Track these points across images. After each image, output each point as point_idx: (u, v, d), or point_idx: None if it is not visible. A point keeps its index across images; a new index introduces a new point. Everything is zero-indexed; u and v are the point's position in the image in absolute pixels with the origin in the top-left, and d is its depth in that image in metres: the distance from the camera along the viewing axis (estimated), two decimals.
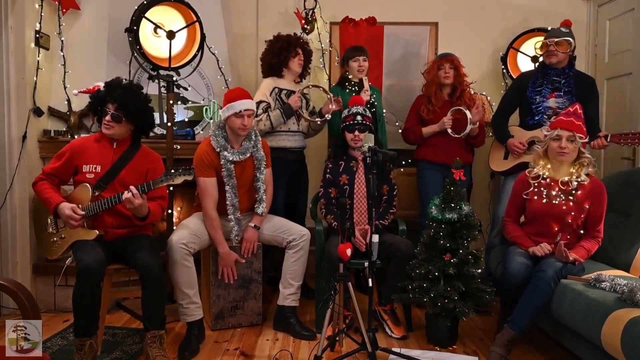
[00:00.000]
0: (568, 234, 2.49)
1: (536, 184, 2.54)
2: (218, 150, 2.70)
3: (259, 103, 3.06)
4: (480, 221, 2.88)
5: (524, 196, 2.58)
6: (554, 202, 2.48)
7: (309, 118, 3.22)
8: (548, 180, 2.53)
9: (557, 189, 2.49)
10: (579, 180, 2.46)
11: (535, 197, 2.53)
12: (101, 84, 2.40)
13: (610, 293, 2.09)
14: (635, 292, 1.97)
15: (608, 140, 2.74)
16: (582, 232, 2.51)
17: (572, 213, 2.45)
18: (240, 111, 2.65)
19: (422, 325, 2.83)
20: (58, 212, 2.32)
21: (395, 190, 2.94)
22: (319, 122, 3.25)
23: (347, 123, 2.89)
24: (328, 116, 3.21)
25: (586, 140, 2.48)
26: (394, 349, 2.44)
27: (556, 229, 2.49)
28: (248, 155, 2.77)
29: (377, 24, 3.94)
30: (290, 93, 3.19)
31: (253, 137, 2.81)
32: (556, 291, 2.28)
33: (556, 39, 2.95)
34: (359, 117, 2.87)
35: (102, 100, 2.40)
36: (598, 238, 2.48)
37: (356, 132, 2.84)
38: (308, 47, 3.34)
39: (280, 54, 3.18)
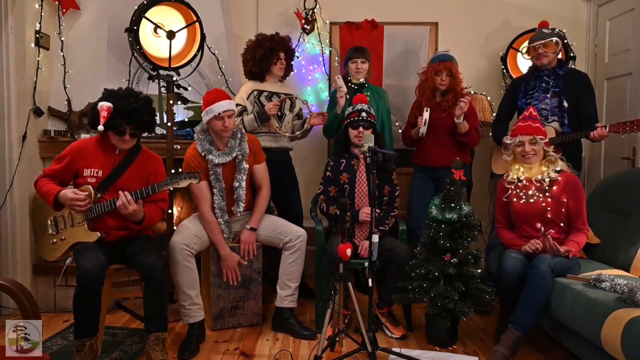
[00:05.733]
0: (552, 229, 2.53)
1: (513, 187, 2.63)
2: (203, 154, 2.69)
3: (235, 106, 3.03)
4: (480, 221, 2.88)
5: (504, 199, 2.66)
6: (531, 200, 2.56)
7: (284, 134, 3.16)
8: (524, 181, 2.61)
9: (532, 188, 2.58)
10: (551, 177, 2.55)
11: (515, 200, 2.61)
12: (105, 104, 2.28)
13: (610, 293, 2.09)
14: (635, 292, 1.97)
15: (607, 130, 2.75)
16: (564, 226, 2.55)
17: (549, 208, 2.52)
18: (220, 113, 2.63)
19: (422, 325, 2.83)
20: (60, 199, 2.28)
21: (397, 192, 2.93)
22: (293, 136, 3.21)
23: (352, 119, 2.87)
24: (303, 130, 3.19)
25: (546, 140, 2.57)
26: (394, 349, 2.44)
27: (539, 226, 2.55)
28: (235, 154, 2.75)
29: (377, 24, 3.93)
30: (271, 95, 3.17)
31: (238, 135, 2.78)
32: (556, 291, 2.29)
33: (542, 41, 2.96)
34: (363, 114, 2.86)
35: (117, 122, 2.31)
36: (584, 230, 2.53)
37: (361, 129, 2.83)
38: (290, 44, 3.29)
39: (262, 61, 3.16)
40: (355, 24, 3.91)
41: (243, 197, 2.77)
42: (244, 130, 2.86)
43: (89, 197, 2.31)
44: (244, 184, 2.77)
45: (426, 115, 3.02)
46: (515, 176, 2.63)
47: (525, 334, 2.32)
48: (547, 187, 2.55)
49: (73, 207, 2.30)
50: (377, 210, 2.85)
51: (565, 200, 2.53)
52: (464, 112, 2.99)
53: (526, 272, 2.38)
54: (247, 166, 2.77)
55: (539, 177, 2.57)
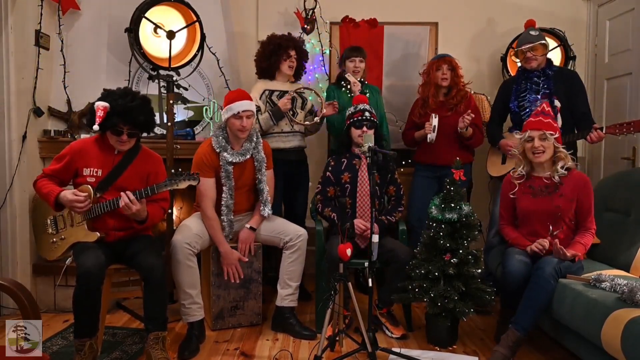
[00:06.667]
0: (560, 228, 2.52)
1: (521, 183, 2.60)
2: (218, 150, 2.70)
3: None
4: (480, 221, 2.88)
5: (512, 196, 2.63)
6: (541, 196, 2.53)
7: (298, 122, 3.17)
8: (533, 178, 2.58)
9: (542, 184, 2.54)
10: (561, 174, 2.51)
11: (523, 195, 2.58)
12: (101, 104, 2.29)
13: (610, 293, 2.09)
14: (635, 292, 1.97)
15: (604, 132, 2.75)
16: (572, 225, 2.55)
17: (560, 206, 2.49)
18: (239, 112, 2.65)
19: (422, 325, 2.83)
20: (60, 200, 2.28)
21: (401, 190, 2.95)
22: (307, 124, 3.20)
23: (355, 119, 2.87)
24: (317, 119, 3.19)
25: (557, 135, 2.51)
26: (394, 349, 2.44)
27: (548, 224, 2.52)
28: (248, 156, 2.76)
29: (377, 24, 3.93)
30: (282, 94, 3.17)
31: (254, 139, 2.80)
32: (556, 291, 2.29)
33: (530, 45, 2.95)
34: (367, 114, 2.86)
35: (114, 121, 2.31)
36: (591, 230, 2.52)
37: (364, 129, 2.83)
38: (302, 45, 3.30)
39: (271, 57, 3.17)
40: (353, 22, 3.90)
41: (269, 199, 2.81)
42: (259, 135, 2.87)
43: (88, 198, 2.30)
44: (267, 187, 2.81)
45: (434, 121, 3.05)
46: (523, 172, 2.60)
47: (526, 335, 2.32)
48: (557, 185, 2.52)
49: (73, 208, 2.30)
50: (377, 213, 2.86)
51: (575, 198, 2.51)
52: (467, 125, 3.04)
53: (530, 274, 2.37)
54: (265, 171, 2.81)
55: (549, 173, 2.54)
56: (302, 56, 3.30)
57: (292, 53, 3.20)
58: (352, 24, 3.90)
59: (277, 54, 3.16)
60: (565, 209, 2.50)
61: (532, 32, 3.00)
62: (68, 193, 2.28)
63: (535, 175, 2.58)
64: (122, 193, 2.28)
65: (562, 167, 2.51)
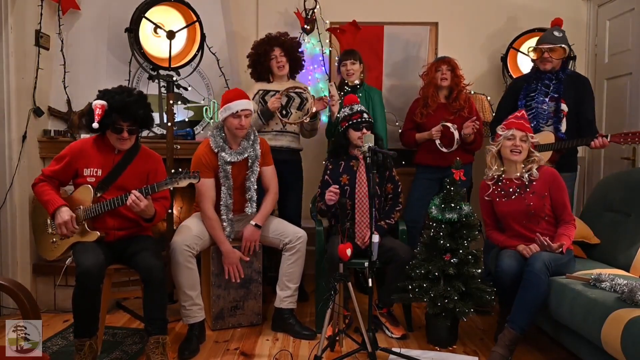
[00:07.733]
0: (538, 223, 2.55)
1: (494, 186, 2.65)
2: (216, 150, 2.70)
3: None
4: (480, 221, 2.88)
5: (487, 198, 2.67)
6: (512, 197, 2.57)
7: (287, 121, 3.13)
8: (504, 180, 2.63)
9: (513, 185, 2.59)
10: (531, 174, 2.56)
11: (497, 199, 2.63)
12: (99, 102, 2.29)
13: (610, 293, 2.09)
14: (635, 292, 1.97)
15: (608, 139, 2.75)
16: (549, 219, 2.57)
17: (532, 204, 2.53)
18: (237, 112, 2.65)
19: (422, 325, 2.83)
20: (55, 214, 2.28)
21: (400, 188, 2.94)
22: (307, 120, 3.13)
23: (354, 121, 2.85)
24: (307, 117, 3.12)
25: (535, 140, 2.59)
26: (394, 349, 2.44)
27: (524, 222, 2.56)
28: (246, 155, 2.76)
29: (359, 26, 3.79)
30: (277, 94, 3.16)
31: (252, 137, 2.80)
32: (556, 291, 2.29)
33: (551, 45, 2.92)
34: (365, 115, 2.86)
35: (113, 118, 2.31)
36: (571, 221, 2.55)
37: (364, 130, 2.83)
38: (287, 39, 3.24)
39: (256, 67, 3.18)
40: (339, 28, 3.85)
41: (255, 197, 2.79)
42: (257, 133, 2.87)
43: (75, 233, 2.31)
44: (255, 185, 2.79)
45: (456, 134, 3.10)
46: (495, 175, 2.64)
47: (522, 333, 2.32)
48: (527, 183, 2.56)
49: (59, 226, 2.28)
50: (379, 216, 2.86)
51: (547, 193, 2.54)
52: (473, 132, 3.08)
53: (522, 271, 2.38)
54: (258, 168, 2.79)
55: (518, 174, 2.59)
56: (292, 50, 3.24)
57: (277, 52, 3.17)
58: (338, 30, 3.81)
59: (260, 62, 3.17)
60: (538, 206, 2.53)
61: (556, 33, 2.95)
62: (66, 213, 2.27)
63: (506, 177, 2.63)
64: (133, 191, 2.27)
65: (534, 169, 2.56)
